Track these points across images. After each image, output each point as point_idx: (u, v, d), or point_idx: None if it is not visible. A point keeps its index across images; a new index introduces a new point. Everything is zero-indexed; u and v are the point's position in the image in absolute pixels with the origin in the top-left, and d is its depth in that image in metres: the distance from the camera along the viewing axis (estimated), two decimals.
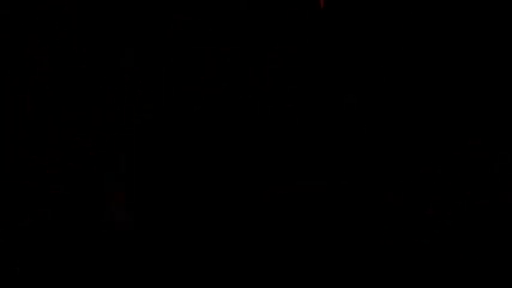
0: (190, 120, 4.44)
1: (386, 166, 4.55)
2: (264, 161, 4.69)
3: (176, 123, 4.43)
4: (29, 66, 3.81)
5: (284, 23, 4.12)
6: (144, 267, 4.79)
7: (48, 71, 3.88)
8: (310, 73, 4.30)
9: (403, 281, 4.77)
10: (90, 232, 4.70)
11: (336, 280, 4.96)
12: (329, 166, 4.59)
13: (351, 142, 4.46)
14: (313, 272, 5.04)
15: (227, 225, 5.07)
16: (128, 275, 4.76)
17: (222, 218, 5.00)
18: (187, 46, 4.08)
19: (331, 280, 4.96)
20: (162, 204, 4.77)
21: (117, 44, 3.77)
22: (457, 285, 4.65)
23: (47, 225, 4.69)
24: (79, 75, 3.91)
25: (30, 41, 3.61)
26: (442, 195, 4.62)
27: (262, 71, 4.21)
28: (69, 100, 4.09)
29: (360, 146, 4.44)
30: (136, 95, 4.11)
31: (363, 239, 4.91)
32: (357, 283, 4.87)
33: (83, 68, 3.86)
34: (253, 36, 4.17)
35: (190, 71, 4.16)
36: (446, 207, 4.65)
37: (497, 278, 4.56)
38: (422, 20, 3.47)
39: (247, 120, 4.45)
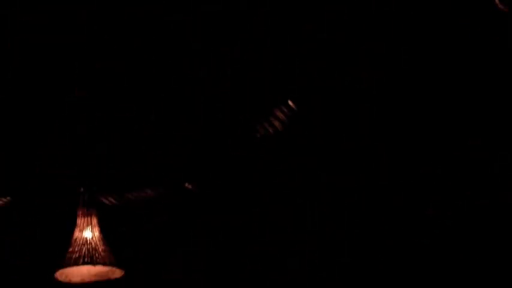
0: None
1: (387, 167, 4.54)
2: None
3: None
4: None
5: None
6: None
7: None
8: None
9: (403, 281, 4.76)
10: None
11: (336, 280, 4.95)
12: (328, 164, 4.59)
13: (351, 142, 4.46)
14: (313, 272, 5.04)
15: None
16: None
17: None
18: None
19: (331, 280, 4.96)
20: None
21: None
22: (457, 285, 4.65)
23: None
24: None
25: None
26: (442, 195, 4.61)
27: None
28: None
29: (360, 147, 4.44)
30: None
31: (364, 239, 4.90)
32: (357, 283, 4.87)
33: None
34: None
35: None
36: (446, 207, 4.65)
37: (497, 278, 4.56)
38: (424, 20, 3.47)
39: None
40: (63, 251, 3.92)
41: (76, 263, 3.88)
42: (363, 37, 3.65)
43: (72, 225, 4.00)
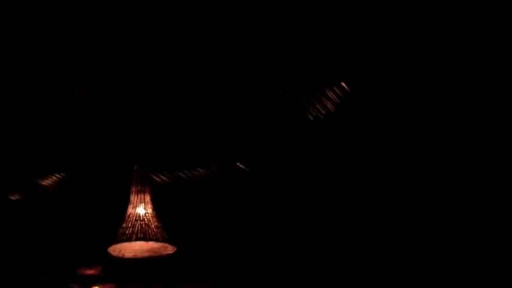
0: None
1: (387, 166, 4.54)
2: None
3: None
4: None
5: None
6: None
7: None
8: None
9: (403, 281, 4.76)
10: None
11: (336, 280, 4.95)
12: (328, 164, 4.59)
13: (351, 142, 4.46)
14: (313, 272, 5.03)
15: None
16: None
17: None
18: None
19: (331, 280, 4.96)
20: None
21: None
22: (457, 285, 4.65)
23: None
24: None
25: None
26: (442, 195, 4.61)
27: None
28: None
29: (360, 147, 4.44)
30: None
31: (364, 239, 4.90)
32: (357, 283, 4.86)
33: None
34: None
35: None
36: (446, 207, 4.65)
37: (497, 278, 4.56)
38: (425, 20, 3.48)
39: None
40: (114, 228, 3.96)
41: (129, 238, 3.90)
42: (363, 37, 3.65)
43: (125, 203, 4.03)
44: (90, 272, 4.76)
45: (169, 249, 4.06)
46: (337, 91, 3.93)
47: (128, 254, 4.07)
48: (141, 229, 3.91)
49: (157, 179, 4.66)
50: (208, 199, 5.01)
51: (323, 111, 4.04)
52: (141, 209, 3.99)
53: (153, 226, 3.94)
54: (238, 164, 4.61)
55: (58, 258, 5.21)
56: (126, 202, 4.02)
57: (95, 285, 4.51)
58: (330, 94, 3.95)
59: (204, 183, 4.78)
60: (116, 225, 3.93)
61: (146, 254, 4.08)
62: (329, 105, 4.00)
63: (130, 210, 3.99)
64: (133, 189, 4.05)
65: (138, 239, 3.89)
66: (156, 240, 3.94)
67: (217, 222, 5.14)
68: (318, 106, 4.04)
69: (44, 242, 5.12)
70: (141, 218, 3.95)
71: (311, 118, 4.09)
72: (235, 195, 4.94)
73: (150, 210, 4.00)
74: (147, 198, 4.05)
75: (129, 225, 3.92)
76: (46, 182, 4.66)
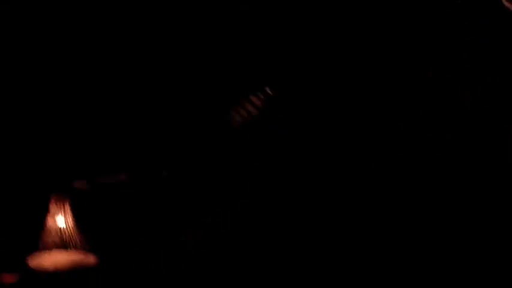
0: None
1: (386, 163, 4.55)
2: None
3: None
4: None
5: None
6: None
7: None
8: None
9: (403, 281, 4.76)
10: None
11: (334, 281, 4.95)
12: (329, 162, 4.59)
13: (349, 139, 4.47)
14: (311, 272, 5.03)
15: None
16: None
17: None
18: None
19: (330, 280, 4.95)
20: None
21: None
22: (457, 285, 4.65)
23: None
24: None
25: None
26: (441, 191, 4.62)
27: None
28: None
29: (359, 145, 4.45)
30: None
31: (362, 239, 4.90)
32: (357, 282, 4.86)
33: None
34: None
35: None
36: (446, 204, 4.65)
37: (497, 278, 4.56)
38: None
39: None
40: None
41: (49, 248, 3.86)
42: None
43: (45, 212, 3.96)
44: (8, 279, 4.55)
45: (91, 259, 4.00)
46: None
47: (49, 266, 3.95)
48: (61, 239, 3.87)
49: (77, 185, 4.55)
50: (131, 206, 4.91)
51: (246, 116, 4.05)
52: (61, 217, 3.94)
53: (73, 236, 3.88)
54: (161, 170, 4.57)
55: None
56: (45, 210, 3.95)
57: None
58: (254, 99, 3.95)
59: (126, 189, 4.68)
60: (36, 234, 3.86)
61: (67, 266, 3.96)
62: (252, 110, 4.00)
63: (49, 219, 3.94)
64: (53, 198, 4.00)
65: (58, 249, 3.86)
66: (77, 250, 3.89)
67: (142, 230, 5.04)
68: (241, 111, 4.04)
69: None
70: (61, 228, 3.90)
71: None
72: (159, 202, 4.84)
73: (70, 219, 3.95)
74: (67, 206, 4.00)
75: (49, 235, 3.88)
76: None
